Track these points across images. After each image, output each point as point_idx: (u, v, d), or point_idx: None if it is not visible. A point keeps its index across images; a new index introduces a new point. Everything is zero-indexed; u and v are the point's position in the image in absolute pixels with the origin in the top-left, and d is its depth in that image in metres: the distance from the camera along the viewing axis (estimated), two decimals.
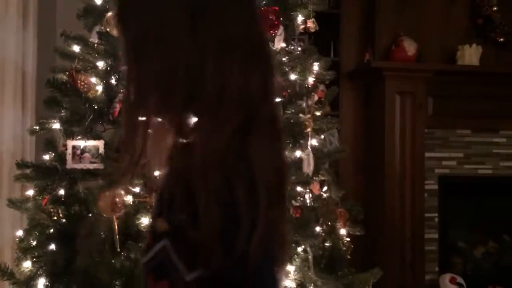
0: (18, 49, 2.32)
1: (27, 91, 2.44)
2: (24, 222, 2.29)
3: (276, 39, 1.98)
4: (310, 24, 2.04)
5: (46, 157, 1.89)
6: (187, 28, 0.61)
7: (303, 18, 2.01)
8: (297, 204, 1.89)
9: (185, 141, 0.62)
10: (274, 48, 1.95)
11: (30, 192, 1.82)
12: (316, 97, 2.06)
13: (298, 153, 1.88)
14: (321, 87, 2.14)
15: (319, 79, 2.07)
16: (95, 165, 1.73)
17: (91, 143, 1.73)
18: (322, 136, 2.09)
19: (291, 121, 1.89)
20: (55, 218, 1.75)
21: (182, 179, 0.58)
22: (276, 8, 1.93)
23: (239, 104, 0.60)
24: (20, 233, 1.98)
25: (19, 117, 2.35)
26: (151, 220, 0.69)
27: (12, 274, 1.72)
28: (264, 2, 1.96)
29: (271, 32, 1.96)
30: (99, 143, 1.73)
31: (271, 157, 0.61)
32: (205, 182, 0.55)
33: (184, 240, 0.56)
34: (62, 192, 1.77)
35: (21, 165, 1.83)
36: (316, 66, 2.08)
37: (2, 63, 2.20)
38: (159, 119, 0.64)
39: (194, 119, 0.61)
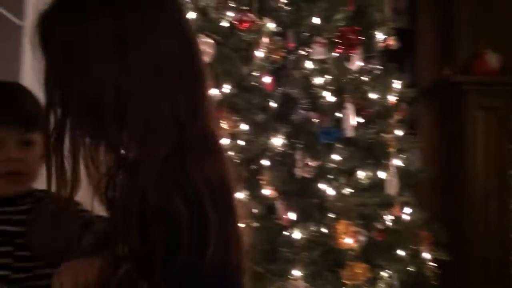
0: None
1: None
2: None
3: (354, 59, 1.97)
4: (390, 41, 2.01)
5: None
6: (114, 50, 0.60)
7: (384, 36, 1.98)
8: (381, 227, 1.84)
9: (121, 167, 0.62)
10: (351, 67, 1.94)
11: None
12: (397, 116, 2.01)
13: (380, 174, 1.84)
14: (402, 105, 2.09)
15: (400, 98, 2.03)
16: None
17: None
18: (404, 156, 2.03)
19: (374, 141, 1.86)
20: None
21: (124, 205, 0.59)
22: (356, 27, 1.93)
23: (168, 128, 0.60)
24: None
25: None
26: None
27: None
28: (343, 22, 1.96)
29: (350, 51, 1.95)
30: None
31: (211, 170, 0.61)
32: (145, 207, 0.56)
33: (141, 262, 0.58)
34: None
35: None
36: (396, 84, 2.04)
37: None
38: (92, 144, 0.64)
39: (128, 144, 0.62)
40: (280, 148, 1.73)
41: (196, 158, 0.60)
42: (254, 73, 1.85)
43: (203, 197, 0.57)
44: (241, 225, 0.63)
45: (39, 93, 0.97)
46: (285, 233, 1.67)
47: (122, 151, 0.63)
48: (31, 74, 2.17)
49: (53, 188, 0.63)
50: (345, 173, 1.79)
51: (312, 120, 1.83)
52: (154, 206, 0.56)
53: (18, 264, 0.91)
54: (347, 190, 1.74)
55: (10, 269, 0.90)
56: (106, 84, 0.60)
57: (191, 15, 1.89)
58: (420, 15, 3.37)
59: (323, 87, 1.89)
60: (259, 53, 1.89)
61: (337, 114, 1.86)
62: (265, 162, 1.73)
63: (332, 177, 1.77)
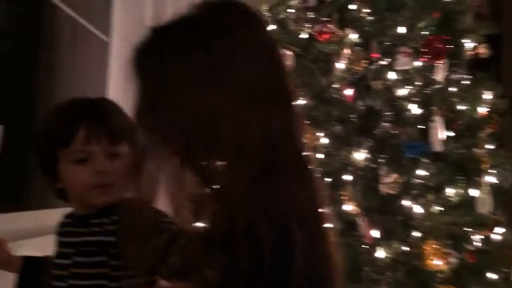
0: None
1: None
2: None
3: (439, 68, 1.87)
4: (481, 49, 1.88)
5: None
6: (205, 75, 0.61)
7: (474, 44, 1.87)
8: (471, 248, 1.72)
9: (209, 189, 0.62)
10: (437, 78, 1.84)
11: None
12: (488, 129, 1.87)
13: (472, 192, 1.72)
14: (494, 117, 1.94)
15: (491, 109, 1.89)
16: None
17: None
18: (496, 172, 1.89)
19: (463, 155, 1.74)
20: None
21: (211, 227, 0.59)
22: (444, 36, 1.83)
23: (259, 149, 0.60)
24: None
25: None
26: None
27: None
28: (429, 30, 1.87)
29: (437, 61, 1.85)
30: None
31: (301, 189, 0.60)
32: (233, 229, 0.55)
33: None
34: None
35: None
36: (487, 95, 1.91)
37: None
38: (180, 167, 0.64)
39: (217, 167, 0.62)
40: (363, 163, 1.67)
41: (286, 178, 0.60)
42: (334, 85, 1.81)
43: (289, 217, 0.57)
44: (332, 244, 0.62)
45: (125, 106, 1.01)
46: (368, 251, 1.61)
47: (210, 174, 0.64)
48: (116, 88, 2.28)
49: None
50: (433, 189, 1.69)
51: (396, 133, 1.76)
52: (240, 228, 0.56)
53: (114, 273, 0.93)
54: (435, 208, 1.64)
55: (107, 279, 0.92)
56: (199, 109, 0.61)
57: (270, 27, 1.89)
58: (504, 20, 3.15)
59: (408, 98, 1.81)
60: (340, 65, 1.84)
61: (423, 127, 1.76)
62: (347, 177, 1.67)
63: (418, 193, 1.68)
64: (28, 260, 1.07)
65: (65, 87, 2.10)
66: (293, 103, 0.67)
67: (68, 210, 1.03)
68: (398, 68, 1.86)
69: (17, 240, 1.15)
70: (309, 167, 0.66)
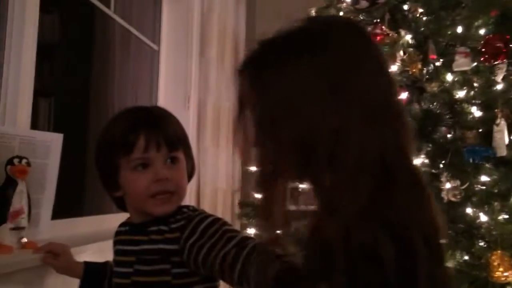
0: (230, 97, 2.55)
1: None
2: None
3: (500, 69, 1.77)
4: None
5: (259, 196, 1.98)
6: (325, 91, 0.61)
7: None
8: None
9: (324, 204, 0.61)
10: (498, 79, 1.75)
11: (249, 230, 1.91)
12: None
13: None
14: None
15: None
16: (311, 207, 1.73)
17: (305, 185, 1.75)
18: None
19: None
20: None
21: (325, 243, 0.56)
22: (503, 34, 1.74)
23: (375, 165, 0.59)
24: None
25: (230, 157, 2.55)
26: None
27: None
28: (487, 29, 1.78)
29: (496, 61, 1.76)
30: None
31: (420, 210, 0.58)
32: (349, 245, 0.54)
33: None
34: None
35: (243, 204, 1.94)
36: None
37: (219, 110, 2.42)
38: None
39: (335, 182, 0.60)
40: (422, 169, 1.59)
41: (404, 195, 0.58)
42: None
43: (413, 235, 0.54)
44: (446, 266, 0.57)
45: (175, 112, 1.03)
46: None
47: (328, 189, 0.62)
48: (165, 95, 2.30)
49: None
50: (497, 196, 1.59)
51: (457, 137, 1.67)
52: (359, 244, 0.53)
53: (176, 281, 0.92)
54: (501, 216, 1.54)
55: (170, 287, 0.91)
56: (320, 125, 0.60)
57: None
58: None
59: (467, 101, 1.72)
60: (394, 67, 1.78)
61: (485, 131, 1.67)
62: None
63: (481, 201, 1.59)
64: (90, 266, 1.08)
65: (118, 95, 2.14)
66: (404, 118, 0.66)
67: (124, 215, 1.03)
68: (455, 69, 1.78)
69: (76, 245, 1.16)
70: (424, 184, 0.64)
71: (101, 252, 1.26)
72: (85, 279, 1.07)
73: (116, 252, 1.01)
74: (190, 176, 1.02)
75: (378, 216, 0.55)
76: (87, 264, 1.09)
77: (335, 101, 0.60)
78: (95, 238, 1.37)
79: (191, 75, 2.29)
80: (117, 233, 1.03)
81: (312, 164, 0.61)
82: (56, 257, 1.07)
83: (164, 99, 2.29)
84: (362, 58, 0.64)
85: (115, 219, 1.25)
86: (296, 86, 0.62)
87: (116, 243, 1.02)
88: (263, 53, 0.66)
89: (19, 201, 1.06)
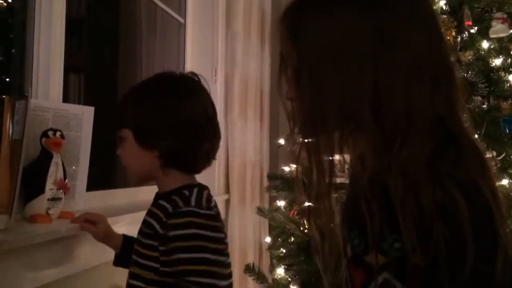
0: (257, 70, 2.53)
1: (264, 107, 2.63)
2: (263, 228, 2.47)
3: None
4: None
5: (287, 168, 1.98)
6: (373, 46, 0.58)
7: None
8: None
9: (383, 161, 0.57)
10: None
11: (279, 203, 1.92)
12: None
13: None
14: None
15: None
16: (342, 179, 1.72)
17: (337, 157, 1.73)
18: None
19: None
20: (302, 228, 1.80)
21: (386, 204, 0.53)
22: None
23: (431, 124, 0.57)
24: (268, 239, 2.11)
25: (258, 130, 2.54)
26: (350, 257, 0.61)
27: (264, 277, 1.83)
28: None
29: None
30: (346, 157, 1.72)
31: (484, 177, 0.55)
32: (421, 202, 0.51)
33: (407, 269, 0.51)
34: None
35: (272, 177, 1.94)
36: None
37: (246, 83, 2.40)
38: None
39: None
40: None
41: (469, 160, 0.56)
42: None
43: (487, 197, 0.52)
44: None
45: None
46: None
47: (385, 145, 0.59)
48: (192, 68, 2.29)
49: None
50: None
51: (493, 107, 1.62)
52: (431, 202, 0.51)
53: (163, 258, 0.93)
54: None
55: (158, 262, 0.94)
56: (366, 80, 0.58)
57: None
58: None
59: (504, 69, 1.66)
60: None
61: None
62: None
63: None
64: (128, 239, 1.10)
65: (145, 69, 2.14)
66: (455, 78, 0.64)
67: (154, 188, 1.05)
68: (492, 36, 1.71)
69: (111, 216, 1.19)
70: (484, 155, 0.62)
71: (135, 223, 1.28)
72: (122, 251, 1.10)
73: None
74: (168, 159, 0.98)
75: (449, 174, 0.53)
76: (126, 237, 1.12)
77: (382, 57, 0.58)
78: (128, 209, 1.39)
79: (218, 48, 2.27)
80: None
81: (358, 123, 0.59)
82: (94, 225, 1.10)
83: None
84: (412, 14, 0.61)
85: (147, 191, 1.27)
86: (343, 38, 0.59)
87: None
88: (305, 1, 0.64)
89: (55, 173, 1.08)
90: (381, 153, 0.58)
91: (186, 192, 0.96)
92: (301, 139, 0.62)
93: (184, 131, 0.97)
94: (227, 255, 0.97)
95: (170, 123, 0.97)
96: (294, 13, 0.64)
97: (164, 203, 0.95)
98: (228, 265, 0.97)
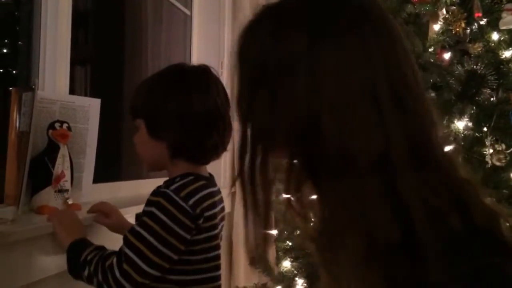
0: None
1: None
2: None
3: None
4: None
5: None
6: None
7: None
8: None
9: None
10: None
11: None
12: None
13: None
14: None
15: None
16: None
17: None
18: None
19: None
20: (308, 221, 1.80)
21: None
22: None
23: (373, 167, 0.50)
24: (274, 232, 2.11)
25: None
26: None
27: (270, 270, 1.83)
28: None
29: None
30: None
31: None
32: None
33: None
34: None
35: (278, 169, 1.93)
36: None
37: None
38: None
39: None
40: (465, 132, 1.54)
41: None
42: (430, 49, 1.68)
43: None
44: None
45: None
46: None
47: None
48: (198, 60, 2.29)
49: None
50: None
51: (502, 100, 1.60)
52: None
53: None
54: None
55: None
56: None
57: None
58: None
59: None
60: (436, 26, 1.70)
61: None
62: (447, 148, 1.55)
63: None
64: None
65: (151, 62, 2.14)
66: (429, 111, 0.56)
67: (161, 180, 1.05)
68: (502, 27, 1.69)
69: (119, 208, 1.19)
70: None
71: None
72: None
73: None
74: (176, 150, 0.99)
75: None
76: None
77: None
78: (135, 201, 1.39)
79: (224, 41, 2.26)
80: None
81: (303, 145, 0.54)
82: (107, 216, 1.11)
83: (197, 62, 2.27)
84: (354, 48, 0.53)
85: (155, 184, 1.26)
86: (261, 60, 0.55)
87: None
88: (255, 23, 0.61)
89: (61, 164, 1.08)
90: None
91: (178, 178, 0.98)
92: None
93: (191, 123, 0.97)
94: (175, 251, 0.92)
95: (178, 115, 0.97)
96: (243, 36, 0.61)
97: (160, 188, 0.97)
98: (166, 261, 0.92)
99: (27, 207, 1.06)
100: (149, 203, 0.94)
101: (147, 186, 1.64)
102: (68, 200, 1.11)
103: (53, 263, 1.04)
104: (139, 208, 1.29)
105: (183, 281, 0.96)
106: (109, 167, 1.71)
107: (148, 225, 0.91)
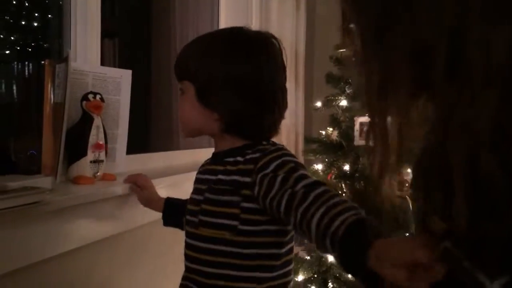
0: (292, 30, 2.46)
1: (299, 69, 2.57)
2: None
3: None
4: None
5: (324, 132, 1.95)
6: None
7: None
8: None
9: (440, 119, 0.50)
10: None
11: (316, 166, 1.90)
12: None
13: None
14: None
15: None
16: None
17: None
18: None
19: None
20: (340, 192, 1.79)
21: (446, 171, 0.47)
22: None
23: (503, 75, 0.46)
24: None
25: (293, 92, 2.50)
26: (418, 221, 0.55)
27: (303, 240, 1.84)
28: None
29: None
30: None
31: None
32: (478, 170, 0.45)
33: (472, 239, 0.45)
34: (347, 167, 1.79)
35: (308, 140, 1.92)
36: None
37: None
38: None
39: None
40: None
41: None
42: None
43: None
44: None
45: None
46: None
47: (451, 102, 0.53)
48: (226, 25, 2.25)
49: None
50: None
51: None
52: (486, 174, 0.45)
53: (244, 215, 0.88)
54: None
55: (238, 220, 0.88)
56: (435, 25, 0.50)
57: None
58: None
59: None
60: None
61: None
62: None
63: None
64: (170, 202, 1.12)
65: (179, 30, 2.12)
66: None
67: (193, 151, 1.05)
68: None
69: (152, 179, 1.20)
70: None
71: (175, 186, 1.30)
72: (165, 213, 1.11)
73: (195, 180, 1.00)
74: (229, 125, 0.91)
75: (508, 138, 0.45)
76: (168, 199, 1.13)
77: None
78: (167, 172, 1.41)
79: (252, 7, 2.22)
80: (203, 164, 1.04)
81: (429, 75, 0.53)
82: (141, 188, 1.12)
83: (225, 23, 2.24)
84: None
85: (185, 155, 1.27)
86: None
87: (198, 172, 1.02)
88: None
89: (96, 135, 1.10)
90: (443, 114, 0.53)
91: (265, 142, 0.93)
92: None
93: (253, 95, 0.88)
94: None
95: (238, 82, 0.87)
96: None
97: (238, 158, 0.91)
98: None
99: (64, 177, 1.08)
100: (271, 160, 0.86)
101: (179, 157, 1.67)
102: (101, 172, 1.13)
103: (91, 231, 1.06)
104: (171, 179, 1.31)
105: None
106: (139, 139, 1.73)
107: (299, 164, 0.87)
